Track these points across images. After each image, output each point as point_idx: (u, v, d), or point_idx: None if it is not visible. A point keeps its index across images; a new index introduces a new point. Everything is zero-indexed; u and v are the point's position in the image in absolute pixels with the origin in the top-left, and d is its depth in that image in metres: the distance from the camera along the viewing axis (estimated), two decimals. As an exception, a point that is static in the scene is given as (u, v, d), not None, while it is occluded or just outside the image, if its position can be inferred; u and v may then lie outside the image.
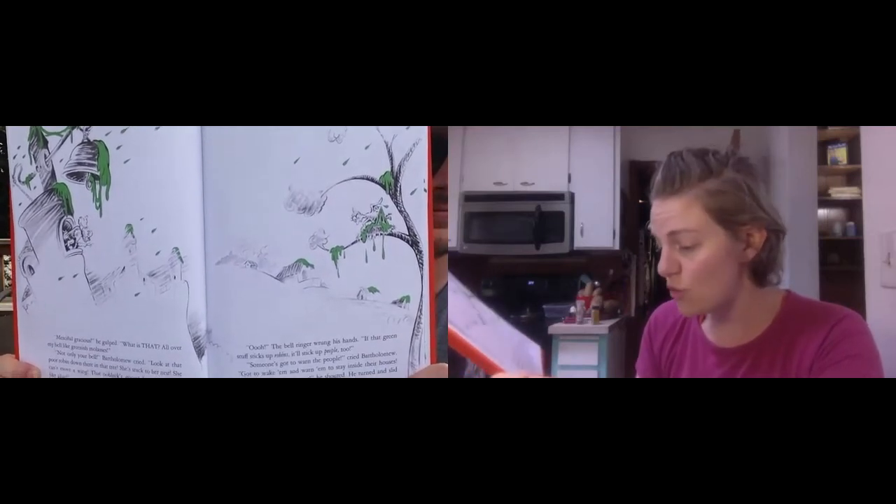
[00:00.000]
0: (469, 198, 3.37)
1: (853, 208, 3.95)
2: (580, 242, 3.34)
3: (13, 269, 0.67)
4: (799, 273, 2.42)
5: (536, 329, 3.12)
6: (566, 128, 3.29)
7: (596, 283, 3.37)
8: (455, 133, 3.24)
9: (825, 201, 3.78)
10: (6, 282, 5.11)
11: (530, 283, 3.63)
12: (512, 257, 3.43)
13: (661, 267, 0.89)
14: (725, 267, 0.88)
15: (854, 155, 3.81)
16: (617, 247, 3.34)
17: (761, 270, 0.90)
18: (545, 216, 3.33)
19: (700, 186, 0.87)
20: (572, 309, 3.23)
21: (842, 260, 3.68)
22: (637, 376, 1.07)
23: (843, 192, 3.92)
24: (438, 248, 0.70)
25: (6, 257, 5.10)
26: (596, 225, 3.31)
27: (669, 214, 0.88)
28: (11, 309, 0.68)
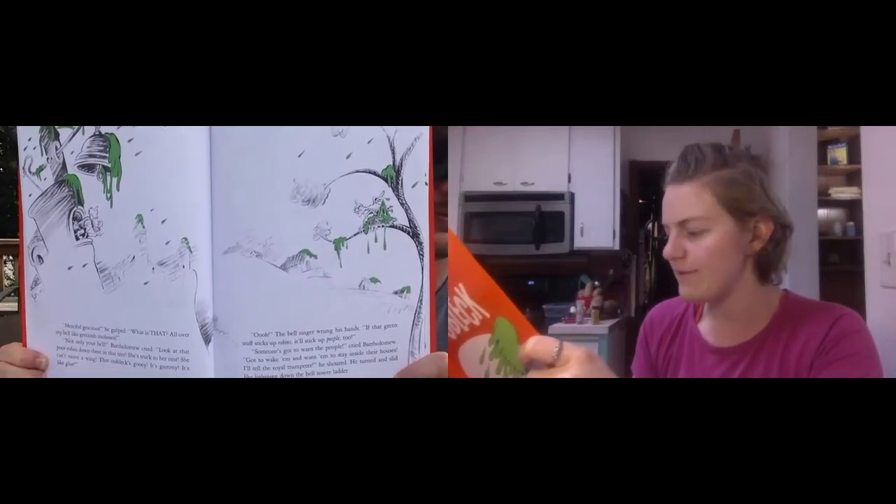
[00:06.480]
0: (469, 198, 3.38)
1: (853, 208, 3.95)
2: (580, 242, 3.34)
3: (21, 265, 0.68)
4: (799, 273, 2.42)
5: (536, 329, 3.11)
6: (566, 128, 3.30)
7: (596, 283, 3.37)
8: (455, 133, 3.24)
9: (825, 201, 3.77)
10: (6, 282, 5.11)
11: (530, 283, 3.63)
12: (512, 257, 3.43)
13: (667, 251, 0.90)
14: (730, 255, 0.88)
15: (854, 155, 3.81)
16: (617, 247, 3.35)
17: (766, 266, 0.90)
18: (545, 216, 3.33)
19: (713, 174, 0.88)
20: (572, 309, 3.24)
21: (842, 260, 3.68)
22: (633, 377, 1.07)
23: (843, 192, 3.92)
24: (439, 251, 0.71)
25: (6, 257, 5.10)
26: (596, 225, 3.31)
27: (680, 201, 0.89)
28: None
